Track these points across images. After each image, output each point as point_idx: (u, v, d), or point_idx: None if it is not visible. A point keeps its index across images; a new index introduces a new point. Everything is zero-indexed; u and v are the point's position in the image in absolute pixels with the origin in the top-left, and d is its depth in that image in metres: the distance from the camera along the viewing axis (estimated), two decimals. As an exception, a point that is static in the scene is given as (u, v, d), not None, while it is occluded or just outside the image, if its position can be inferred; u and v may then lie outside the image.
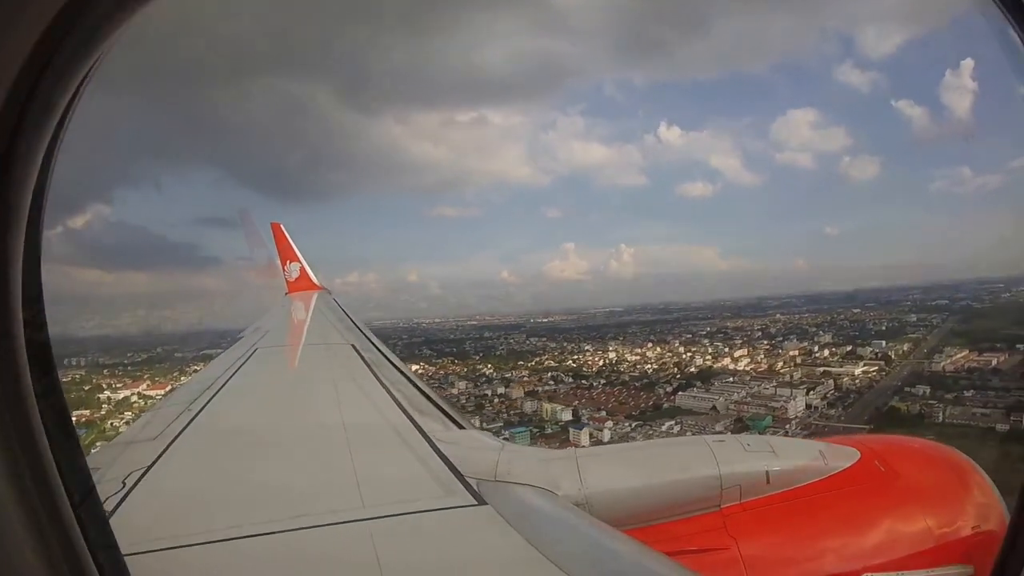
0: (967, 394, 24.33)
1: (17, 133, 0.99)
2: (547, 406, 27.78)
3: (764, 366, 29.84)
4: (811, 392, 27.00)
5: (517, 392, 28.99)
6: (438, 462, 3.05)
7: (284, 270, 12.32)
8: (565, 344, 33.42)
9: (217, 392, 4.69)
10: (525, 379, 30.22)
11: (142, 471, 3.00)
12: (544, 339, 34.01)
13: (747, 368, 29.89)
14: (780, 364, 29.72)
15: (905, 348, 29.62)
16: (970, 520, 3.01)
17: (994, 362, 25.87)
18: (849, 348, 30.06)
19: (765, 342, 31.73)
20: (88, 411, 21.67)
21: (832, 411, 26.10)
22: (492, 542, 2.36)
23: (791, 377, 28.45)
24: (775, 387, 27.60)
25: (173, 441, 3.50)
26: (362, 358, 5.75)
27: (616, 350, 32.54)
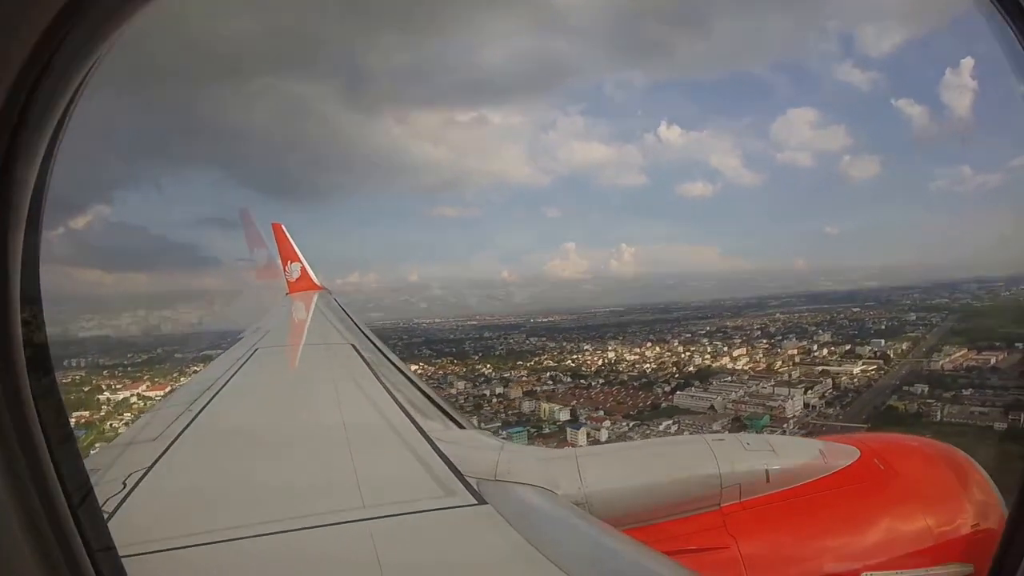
0: (965, 393, 24.37)
1: (17, 133, 0.99)
2: (545, 406, 27.78)
3: (763, 365, 29.87)
4: (809, 391, 27.03)
5: (515, 392, 28.99)
6: (438, 462, 3.07)
7: (285, 270, 12.32)
8: (564, 344, 33.42)
9: (217, 392, 4.71)
10: (524, 379, 30.22)
11: (143, 472, 3.02)
12: (544, 339, 34.01)
13: (746, 367, 29.92)
14: (779, 363, 29.75)
15: (904, 347, 29.65)
16: (970, 518, 3.01)
17: (993, 361, 25.89)
18: (848, 347, 30.09)
19: (764, 341, 31.76)
20: (88, 412, 21.64)
21: (830, 410, 26.13)
22: (492, 542, 2.38)
23: (789, 376, 28.48)
24: (773, 386, 27.64)
25: (173, 442, 3.52)
26: (362, 358, 5.76)
27: (615, 350, 32.54)
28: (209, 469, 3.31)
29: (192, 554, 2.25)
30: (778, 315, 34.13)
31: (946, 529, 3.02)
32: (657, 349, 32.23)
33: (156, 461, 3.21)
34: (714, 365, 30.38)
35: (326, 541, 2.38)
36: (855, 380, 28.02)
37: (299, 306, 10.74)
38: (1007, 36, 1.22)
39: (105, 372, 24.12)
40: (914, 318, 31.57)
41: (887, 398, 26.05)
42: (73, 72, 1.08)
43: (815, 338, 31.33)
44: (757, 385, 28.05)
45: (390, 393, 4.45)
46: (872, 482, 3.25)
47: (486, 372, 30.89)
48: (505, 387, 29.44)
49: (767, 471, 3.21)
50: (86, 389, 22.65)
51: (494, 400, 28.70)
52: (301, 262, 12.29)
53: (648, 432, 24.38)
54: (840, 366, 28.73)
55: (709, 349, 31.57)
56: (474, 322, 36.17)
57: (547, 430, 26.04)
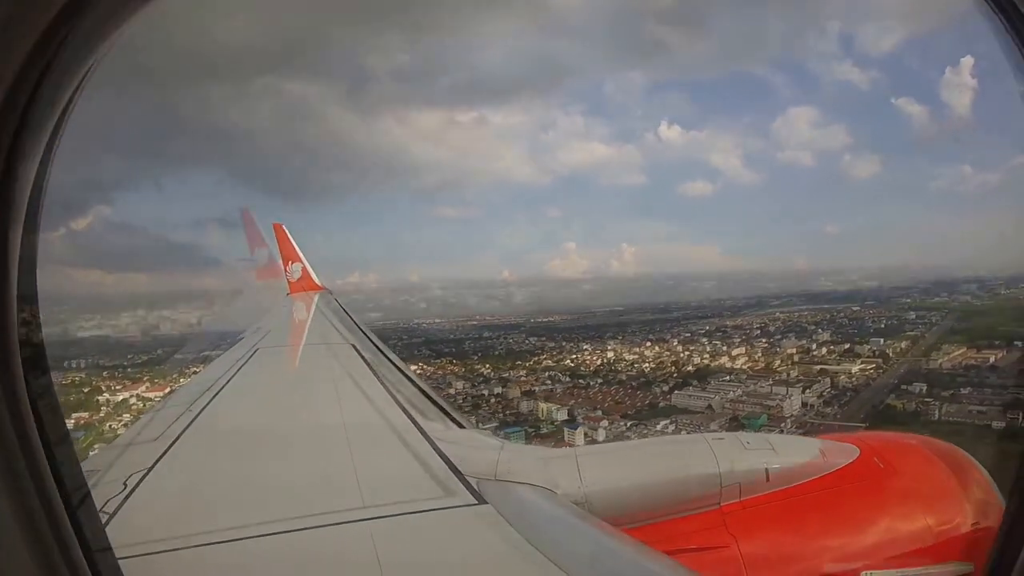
0: (964, 391, 24.41)
1: (16, 132, 0.99)
2: (543, 406, 27.77)
3: (761, 364, 29.88)
4: (807, 390, 27.06)
5: (514, 392, 28.98)
6: (438, 461, 3.09)
7: (286, 271, 12.33)
8: (564, 344, 33.39)
9: (218, 393, 4.73)
10: (522, 379, 30.20)
11: (143, 472, 3.04)
12: (543, 339, 33.96)
13: (744, 367, 29.92)
14: (778, 362, 29.76)
15: (903, 346, 29.68)
16: (969, 517, 3.01)
17: (992, 359, 25.92)
18: (847, 346, 30.11)
19: (763, 340, 31.77)
20: (87, 413, 21.62)
21: (828, 409, 26.14)
22: (492, 541, 2.40)
23: (788, 375, 28.51)
24: (771, 385, 27.66)
25: (174, 442, 3.53)
26: (362, 358, 5.79)
27: (614, 350, 32.53)
28: (209, 470, 3.33)
29: (193, 555, 2.28)
30: (778, 314, 34.12)
31: (946, 527, 3.02)
32: (656, 349, 32.23)
33: (157, 462, 3.23)
34: (713, 365, 30.39)
35: (326, 541, 2.40)
36: (854, 379, 28.05)
37: (300, 306, 10.75)
38: (1004, 35, 1.24)
39: (105, 373, 24.11)
40: (913, 317, 31.61)
41: (885, 397, 26.09)
42: (73, 72, 1.08)
43: (814, 337, 31.35)
44: (755, 384, 28.07)
45: (390, 393, 4.47)
46: (872, 481, 3.26)
47: (485, 372, 30.87)
48: (504, 387, 29.42)
49: (767, 470, 3.23)
50: (86, 390, 22.63)
51: (492, 400, 28.69)
52: (302, 262, 12.30)
53: (645, 432, 24.37)
54: (839, 365, 28.76)
55: (708, 349, 31.58)
56: (474, 322, 36.12)
57: (544, 430, 26.03)
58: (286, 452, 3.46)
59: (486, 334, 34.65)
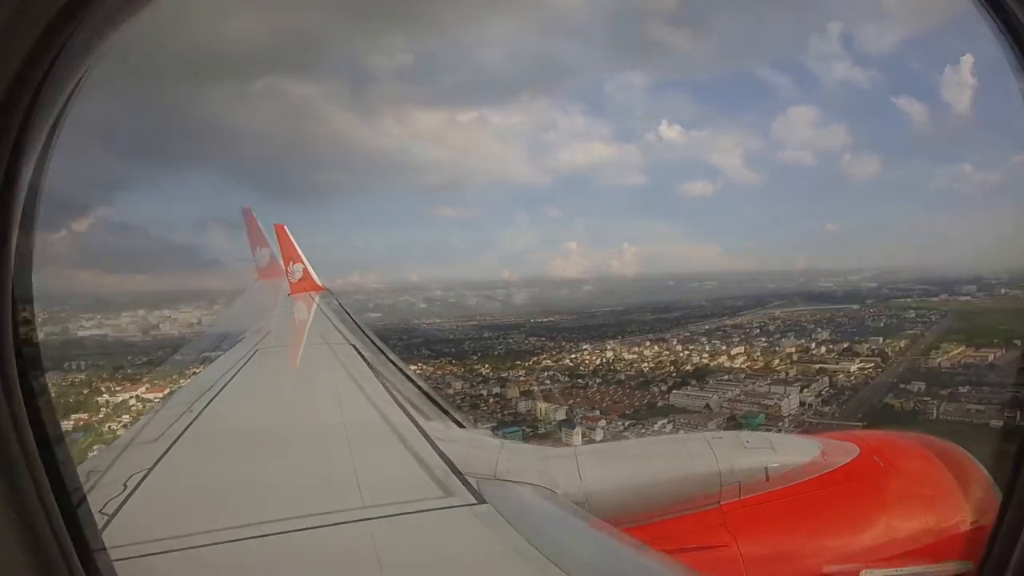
0: (962, 390, 24.46)
1: (13, 132, 0.98)
2: (541, 405, 27.78)
3: (760, 364, 29.90)
4: (805, 389, 27.09)
5: (512, 392, 28.99)
6: (438, 461, 3.10)
7: (287, 271, 12.35)
8: (563, 344, 33.38)
9: (218, 393, 4.74)
10: (521, 379, 30.19)
11: (143, 473, 3.04)
12: (543, 339, 33.94)
13: (743, 366, 29.94)
14: (776, 362, 29.79)
15: (902, 345, 29.72)
16: (969, 515, 3.03)
17: (990, 358, 25.97)
18: (846, 345, 30.15)
19: (763, 339, 31.81)
20: (86, 414, 21.59)
21: (827, 408, 26.18)
22: (492, 541, 2.41)
23: (787, 374, 28.54)
24: (769, 384, 27.68)
25: (174, 443, 3.54)
26: (363, 358, 5.81)
27: (613, 349, 32.54)
28: (210, 470, 3.33)
29: (194, 555, 2.28)
30: (777, 313, 34.15)
31: (946, 526, 3.03)
32: (655, 349, 32.24)
33: (157, 462, 3.23)
34: (711, 364, 30.41)
35: (327, 541, 2.40)
36: (852, 378, 28.09)
37: (301, 307, 10.79)
38: (1000, 37, 1.25)
39: (104, 374, 24.08)
40: (913, 315, 31.67)
41: (884, 396, 26.13)
42: (72, 73, 1.08)
43: (813, 336, 31.39)
44: (753, 384, 28.10)
45: (390, 393, 4.49)
46: (871, 479, 3.27)
47: (484, 372, 30.86)
48: (502, 387, 29.43)
49: (767, 469, 3.24)
50: (85, 391, 22.60)
51: (491, 400, 28.68)
52: (303, 263, 12.33)
53: (643, 431, 24.38)
54: (837, 364, 28.80)
55: (707, 348, 31.60)
56: (474, 322, 36.08)
57: (543, 430, 26.04)
58: (286, 452, 3.47)
59: (486, 334, 34.62)
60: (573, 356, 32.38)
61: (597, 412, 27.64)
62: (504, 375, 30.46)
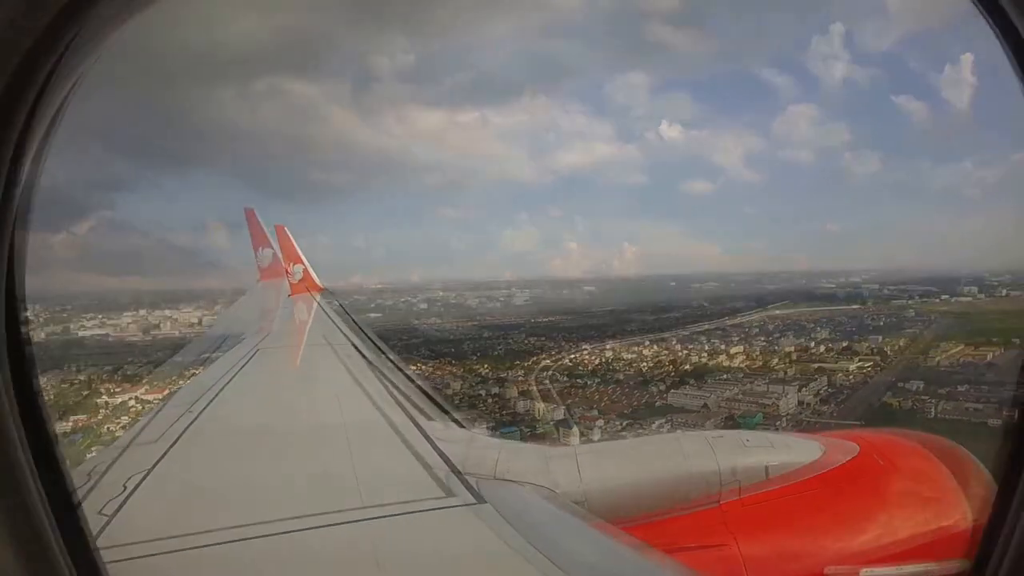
0: (961, 389, 24.51)
1: (15, 133, 0.98)
2: (539, 405, 27.80)
3: (759, 363, 29.92)
4: (804, 389, 27.12)
5: (511, 392, 29.00)
6: (438, 461, 3.11)
7: (288, 272, 12.38)
8: (563, 344, 33.38)
9: (219, 393, 4.75)
10: (520, 379, 30.20)
11: (143, 474, 3.04)
12: (543, 339, 33.93)
13: (741, 365, 29.96)
14: (775, 361, 29.82)
15: (901, 343, 29.76)
16: (969, 513, 3.03)
17: (989, 356, 26.02)
18: (845, 344, 30.19)
19: (762, 339, 31.84)
20: (87, 415, 21.57)
21: (825, 408, 26.21)
22: (492, 540, 2.41)
23: (785, 374, 28.56)
24: (768, 384, 27.70)
25: (174, 444, 3.54)
26: (363, 358, 5.83)
27: (613, 349, 32.55)
28: (210, 470, 3.34)
29: (194, 555, 2.28)
30: (777, 312, 34.19)
31: (946, 524, 3.05)
32: (654, 348, 32.26)
33: (156, 463, 3.23)
34: (710, 364, 30.44)
35: (327, 540, 2.41)
36: (851, 377, 28.12)
37: (301, 307, 10.82)
38: (997, 40, 1.25)
39: (104, 375, 24.05)
40: (913, 314, 31.72)
41: (882, 395, 26.17)
42: (74, 72, 1.08)
43: (813, 335, 31.42)
44: (751, 383, 28.11)
45: (390, 393, 4.50)
46: (871, 478, 3.29)
47: (483, 372, 30.86)
48: (501, 387, 29.43)
49: (767, 467, 3.25)
50: (84, 393, 22.57)
51: (489, 400, 28.68)
52: (304, 264, 12.35)
53: (640, 431, 24.38)
54: (836, 363, 28.83)
55: (706, 348, 31.62)
56: (473, 322, 36.05)
57: (540, 430, 26.05)
58: (287, 452, 3.48)
59: (485, 334, 34.60)
60: (572, 356, 32.38)
61: (595, 412, 27.65)
62: (503, 375, 30.46)
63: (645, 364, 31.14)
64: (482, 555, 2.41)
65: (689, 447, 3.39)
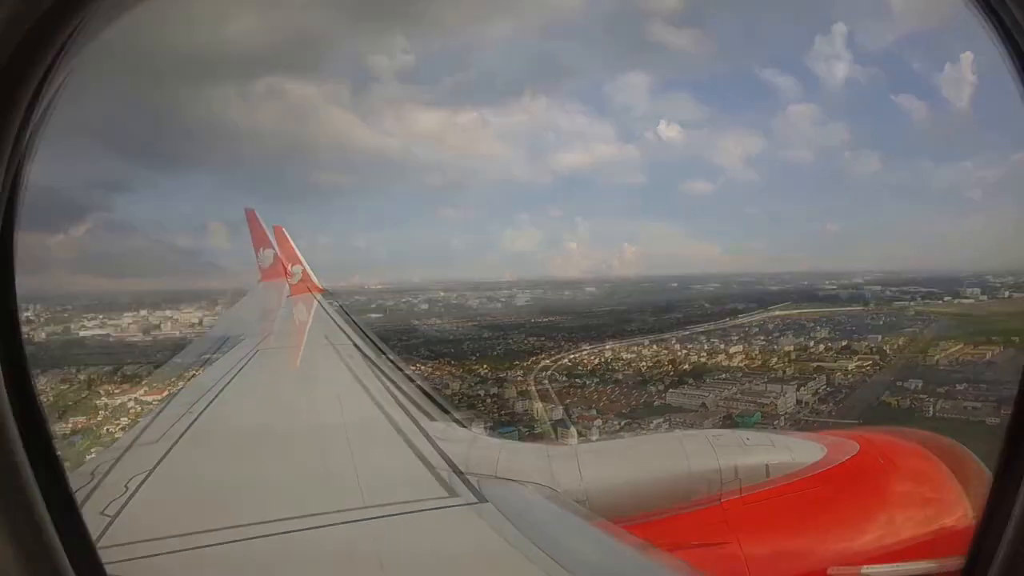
0: (959, 387, 24.55)
1: (13, 132, 0.96)
2: (538, 405, 27.81)
3: (758, 362, 29.94)
4: (802, 388, 27.14)
5: (510, 392, 29.01)
6: (440, 460, 3.12)
7: (287, 272, 12.39)
8: (563, 344, 33.38)
9: (219, 394, 4.75)
10: (519, 379, 30.20)
11: (144, 475, 3.04)
12: (542, 339, 33.93)
13: (740, 364, 29.97)
14: (774, 360, 29.84)
15: (901, 342, 29.80)
16: (969, 511, 3.05)
17: (988, 355, 26.07)
18: (844, 343, 30.22)
19: (761, 338, 31.86)
20: (84, 417, 21.55)
21: (823, 406, 26.22)
22: (493, 539, 2.42)
23: (784, 373, 28.57)
24: (766, 383, 27.71)
25: (175, 444, 3.54)
26: (364, 359, 5.83)
27: (612, 349, 32.56)
28: (211, 470, 3.34)
29: (196, 555, 2.28)
30: (777, 312, 34.21)
31: (946, 522, 3.08)
32: (654, 348, 32.27)
33: (158, 464, 3.23)
34: (709, 363, 30.45)
35: (329, 539, 2.41)
36: (850, 376, 28.14)
37: (301, 308, 10.84)
38: (997, 40, 1.25)
39: (103, 376, 24.02)
40: (913, 313, 31.76)
41: (881, 393, 26.21)
42: (72, 72, 1.07)
43: (812, 334, 31.44)
44: (750, 382, 28.12)
45: (391, 393, 4.50)
46: (872, 476, 3.30)
47: (482, 372, 30.87)
48: (500, 387, 29.43)
49: (767, 466, 3.27)
50: (84, 394, 22.54)
51: (488, 400, 28.68)
52: (303, 264, 12.38)
53: (639, 431, 24.38)
54: (835, 362, 28.85)
55: (705, 347, 31.64)
56: (473, 323, 36.04)
57: (538, 429, 26.06)
58: (288, 451, 3.48)
59: (485, 334, 34.61)
60: (572, 356, 32.39)
61: (594, 411, 27.67)
62: (502, 375, 30.46)
63: (644, 364, 31.16)
64: (484, 554, 2.42)
65: (690, 446, 3.40)
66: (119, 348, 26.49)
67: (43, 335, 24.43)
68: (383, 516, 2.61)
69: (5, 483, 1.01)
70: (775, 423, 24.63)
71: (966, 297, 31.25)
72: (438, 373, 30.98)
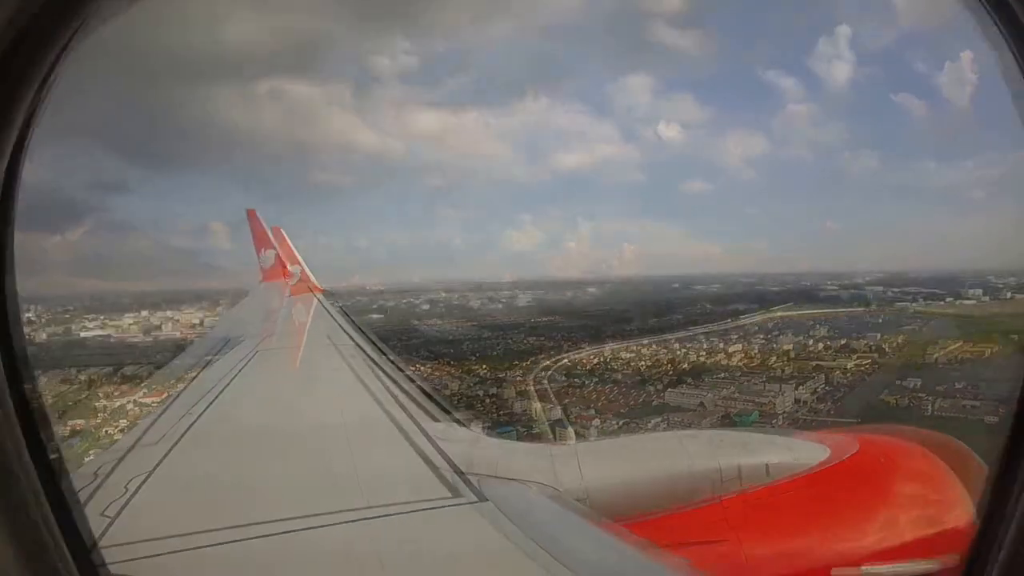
0: (958, 386, 24.57)
1: (14, 133, 0.97)
2: (536, 405, 27.81)
3: (757, 361, 29.93)
4: (801, 386, 27.12)
5: (509, 392, 29.00)
6: (440, 459, 3.12)
7: (286, 273, 12.41)
8: (562, 344, 33.38)
9: (219, 395, 4.75)
10: (518, 379, 30.20)
11: (144, 476, 3.04)
12: (542, 339, 33.93)
13: (739, 363, 29.96)
14: (773, 359, 29.83)
15: (900, 340, 29.81)
16: (969, 509, 3.02)
17: (987, 353, 26.08)
18: (843, 342, 30.22)
19: (760, 336, 31.86)
20: (84, 420, 21.54)
21: (822, 405, 26.22)
22: (495, 538, 2.42)
23: (782, 371, 28.56)
24: (764, 382, 27.70)
25: (175, 445, 3.54)
26: (364, 359, 5.83)
27: (611, 349, 32.57)
28: (212, 470, 3.34)
29: (196, 556, 2.28)
30: (776, 311, 34.19)
31: (946, 521, 3.07)
32: (653, 348, 32.27)
33: (159, 464, 3.23)
34: (708, 362, 30.44)
35: (329, 538, 2.41)
36: (848, 375, 28.14)
37: (300, 309, 10.85)
38: (999, 39, 1.24)
39: (103, 378, 24.01)
40: (912, 312, 31.77)
41: (879, 392, 26.22)
42: (73, 73, 1.07)
43: (811, 333, 31.45)
44: (748, 381, 28.11)
45: (391, 393, 4.50)
46: (872, 475, 3.29)
47: (481, 372, 30.86)
48: (499, 387, 29.42)
49: (767, 465, 3.26)
50: (83, 396, 22.53)
51: (487, 400, 28.68)
52: (301, 265, 12.39)
53: (636, 430, 24.36)
54: (834, 361, 28.85)
55: (704, 346, 31.63)
56: (473, 323, 36.03)
57: (537, 429, 26.05)
58: (289, 452, 3.48)
59: (485, 334, 34.61)
60: (571, 356, 32.39)
61: (592, 411, 27.66)
62: (501, 375, 30.45)
63: (643, 363, 31.15)
64: (485, 553, 2.42)
65: (691, 446, 3.41)
66: (120, 349, 26.49)
67: (44, 336, 24.44)
68: (385, 515, 2.61)
69: (6, 483, 1.02)
70: (773, 422, 24.62)
71: (968, 298, 31.20)
72: (438, 373, 30.97)
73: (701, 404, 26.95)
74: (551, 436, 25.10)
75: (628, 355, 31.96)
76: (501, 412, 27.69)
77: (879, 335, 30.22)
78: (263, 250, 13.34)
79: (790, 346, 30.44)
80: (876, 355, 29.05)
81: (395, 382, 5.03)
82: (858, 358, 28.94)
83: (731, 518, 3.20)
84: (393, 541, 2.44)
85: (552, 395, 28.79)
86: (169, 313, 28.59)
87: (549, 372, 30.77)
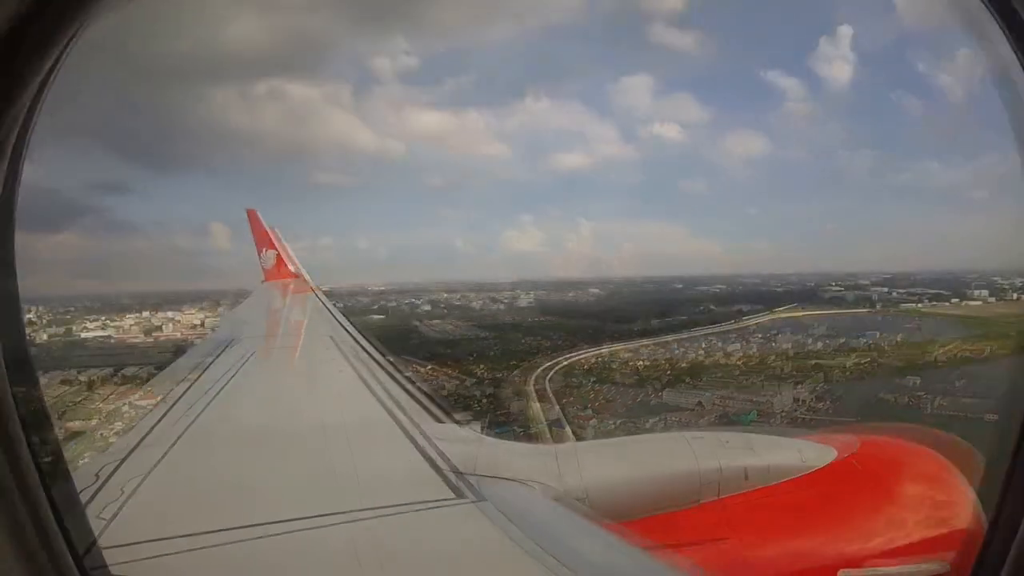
0: (958, 384, 24.57)
1: (14, 134, 0.97)
2: (534, 405, 27.80)
3: (755, 360, 29.90)
4: (799, 385, 27.09)
5: (506, 392, 29.00)
6: (439, 459, 3.11)
7: (285, 273, 12.42)
8: (561, 344, 33.38)
9: (217, 394, 4.74)
10: (516, 379, 30.19)
11: (142, 477, 3.04)
12: (540, 339, 33.93)
13: (737, 363, 29.93)
14: (772, 358, 29.81)
15: (899, 339, 29.81)
16: (972, 508, 2.96)
17: (987, 351, 26.07)
18: (843, 340, 30.20)
19: (759, 336, 31.85)
20: (80, 422, 21.53)
21: (821, 404, 26.18)
22: (494, 538, 2.42)
23: (781, 371, 28.53)
24: (763, 381, 27.67)
25: (172, 446, 3.54)
26: (364, 359, 5.83)
27: (610, 349, 32.56)
28: (210, 470, 3.34)
29: (196, 556, 2.28)
30: (776, 311, 34.16)
31: (949, 520, 3.06)
32: (651, 347, 32.25)
33: (157, 464, 3.23)
34: (706, 362, 30.42)
35: (329, 539, 2.41)
36: (848, 373, 28.11)
37: (298, 309, 10.85)
38: (1001, 38, 1.25)
39: (100, 381, 24.00)
40: (912, 311, 31.75)
41: (878, 391, 26.21)
42: (73, 73, 1.08)
43: (810, 331, 31.43)
44: (747, 380, 28.07)
45: (389, 392, 4.50)
46: (877, 474, 3.28)
47: (479, 373, 30.86)
48: (496, 388, 29.42)
49: (767, 466, 3.25)
50: (79, 399, 22.53)
51: (484, 400, 28.67)
52: (298, 265, 12.42)
53: (634, 430, 24.33)
54: (833, 359, 28.84)
55: (703, 346, 31.62)
56: (472, 323, 36.04)
57: (534, 429, 26.03)
58: (287, 451, 3.48)
59: (484, 335, 34.62)
60: (570, 356, 32.38)
61: (589, 411, 27.65)
62: (499, 375, 30.44)
63: (641, 363, 31.13)
64: (485, 552, 2.42)
65: (692, 447, 3.40)
66: (121, 350, 26.51)
67: (45, 336, 24.46)
68: (384, 515, 2.61)
69: (7, 483, 1.02)
70: (771, 421, 24.57)
71: (974, 299, 31.13)
72: (435, 374, 30.95)
73: (699, 403, 26.86)
74: (543, 437, 25.08)
75: (627, 355, 31.91)
76: (498, 412, 27.67)
77: (878, 334, 30.17)
78: (264, 250, 13.37)
79: (789, 345, 30.41)
80: (875, 353, 28.98)
81: (396, 381, 5.03)
82: (857, 357, 28.84)
83: (734, 517, 3.20)
84: (393, 541, 2.43)
85: (549, 395, 28.77)
86: (170, 314, 28.62)
87: (548, 372, 30.76)
